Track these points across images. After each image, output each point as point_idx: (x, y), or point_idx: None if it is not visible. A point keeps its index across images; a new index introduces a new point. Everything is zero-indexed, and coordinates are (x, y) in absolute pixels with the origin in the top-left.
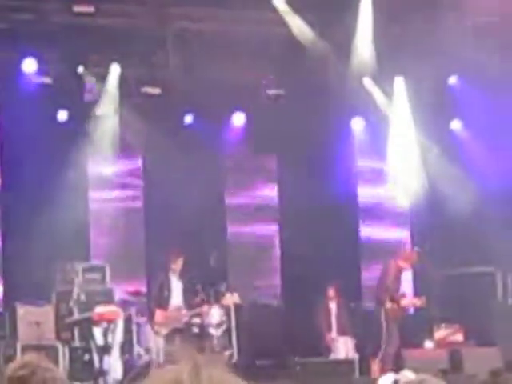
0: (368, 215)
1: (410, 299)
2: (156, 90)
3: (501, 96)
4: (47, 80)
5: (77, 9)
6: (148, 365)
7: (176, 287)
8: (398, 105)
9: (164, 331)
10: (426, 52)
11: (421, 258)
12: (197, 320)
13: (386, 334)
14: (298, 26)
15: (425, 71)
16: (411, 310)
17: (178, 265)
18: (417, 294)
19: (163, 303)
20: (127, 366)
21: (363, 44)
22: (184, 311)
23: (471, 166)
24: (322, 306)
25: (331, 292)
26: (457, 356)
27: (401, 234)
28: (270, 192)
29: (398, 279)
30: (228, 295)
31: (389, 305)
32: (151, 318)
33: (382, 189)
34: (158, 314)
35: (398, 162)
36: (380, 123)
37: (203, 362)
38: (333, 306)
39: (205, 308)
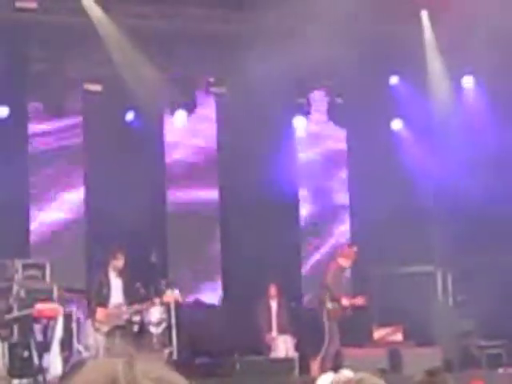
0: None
1: (350, 299)
2: (97, 87)
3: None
4: None
5: (19, 4)
6: (83, 361)
7: (116, 285)
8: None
9: (105, 329)
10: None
11: (358, 256)
12: (137, 318)
13: (327, 333)
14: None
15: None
16: (351, 310)
17: (119, 262)
18: (356, 293)
19: (103, 301)
20: (66, 363)
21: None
22: (124, 308)
23: (411, 164)
24: (263, 304)
25: (272, 290)
26: (396, 355)
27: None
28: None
29: (338, 278)
30: (169, 292)
31: (330, 304)
32: (92, 315)
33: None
34: (99, 312)
35: None
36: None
37: (139, 357)
38: (273, 304)
39: (145, 305)
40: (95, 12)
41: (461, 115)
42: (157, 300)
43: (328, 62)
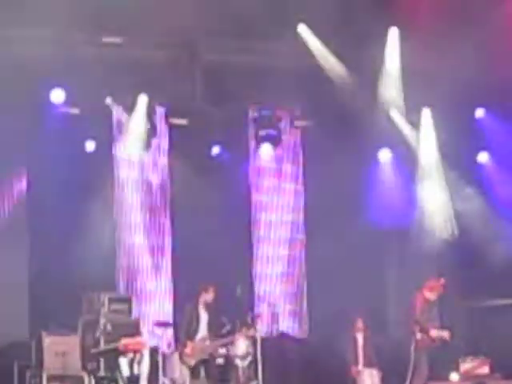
0: None
1: (437, 331)
2: (183, 121)
3: None
4: (75, 110)
5: (105, 39)
6: None
7: (203, 318)
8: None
9: (191, 362)
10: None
11: (446, 289)
12: (223, 351)
13: (413, 365)
14: (327, 59)
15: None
16: (438, 342)
17: (209, 296)
18: (443, 325)
19: (192, 334)
20: None
21: (390, 76)
22: (208, 342)
23: (497, 199)
24: (349, 337)
25: (359, 323)
26: None
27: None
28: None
29: (425, 311)
30: (256, 325)
31: (419, 336)
32: (181, 348)
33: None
34: (188, 345)
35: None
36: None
37: None
38: (359, 337)
39: (229, 339)
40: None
41: None
42: (242, 334)
43: None
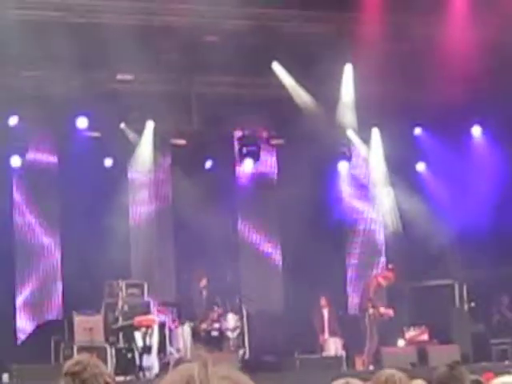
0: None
1: (385, 308)
2: (182, 141)
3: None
4: (96, 134)
5: (119, 77)
6: (178, 361)
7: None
8: (374, 150)
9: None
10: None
11: (396, 277)
12: (216, 325)
13: (369, 335)
14: (297, 90)
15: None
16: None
17: (202, 283)
18: (390, 302)
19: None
20: (162, 363)
21: (346, 103)
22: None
23: (433, 200)
24: (317, 312)
25: (323, 301)
26: (423, 352)
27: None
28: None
29: (376, 292)
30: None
31: (371, 311)
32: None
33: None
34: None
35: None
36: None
37: (211, 361)
38: (325, 312)
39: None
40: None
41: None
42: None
43: None
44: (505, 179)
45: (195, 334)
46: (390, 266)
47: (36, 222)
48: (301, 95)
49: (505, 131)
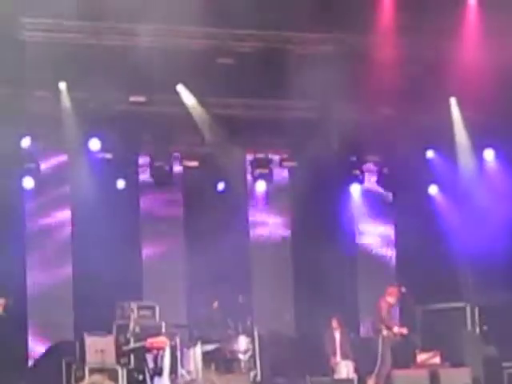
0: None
1: (398, 327)
2: (195, 163)
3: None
4: (108, 155)
5: (132, 98)
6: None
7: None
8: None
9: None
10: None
11: (405, 295)
12: (228, 347)
13: (382, 357)
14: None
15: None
16: (400, 337)
17: (214, 305)
18: (402, 323)
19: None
20: None
21: None
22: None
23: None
24: (329, 334)
25: (334, 323)
26: (435, 375)
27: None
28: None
29: (388, 312)
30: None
31: (385, 332)
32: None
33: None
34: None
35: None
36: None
37: (224, 380)
38: (337, 334)
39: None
40: (191, 102)
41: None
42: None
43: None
44: None
45: (211, 356)
46: (398, 287)
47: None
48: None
49: None
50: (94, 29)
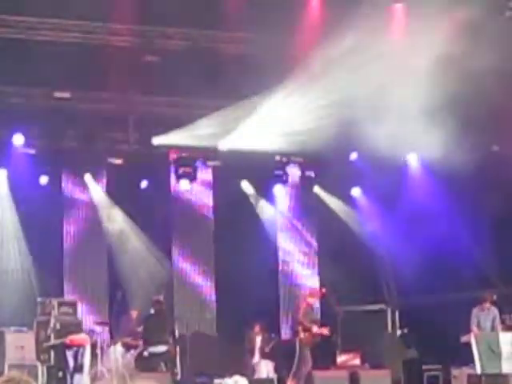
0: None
1: (318, 328)
2: (119, 161)
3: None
4: (32, 151)
5: (56, 94)
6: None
7: None
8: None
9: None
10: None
11: (326, 296)
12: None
13: (298, 357)
14: None
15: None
16: (319, 337)
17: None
18: (323, 324)
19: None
20: (93, 381)
21: None
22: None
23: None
24: (250, 336)
25: (257, 328)
26: (355, 376)
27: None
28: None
29: (308, 313)
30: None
31: (302, 334)
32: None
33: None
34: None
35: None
36: None
37: (141, 377)
38: (258, 337)
39: None
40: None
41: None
42: None
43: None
44: (443, 209)
45: (131, 354)
46: (323, 289)
47: None
48: None
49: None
50: (20, 23)
